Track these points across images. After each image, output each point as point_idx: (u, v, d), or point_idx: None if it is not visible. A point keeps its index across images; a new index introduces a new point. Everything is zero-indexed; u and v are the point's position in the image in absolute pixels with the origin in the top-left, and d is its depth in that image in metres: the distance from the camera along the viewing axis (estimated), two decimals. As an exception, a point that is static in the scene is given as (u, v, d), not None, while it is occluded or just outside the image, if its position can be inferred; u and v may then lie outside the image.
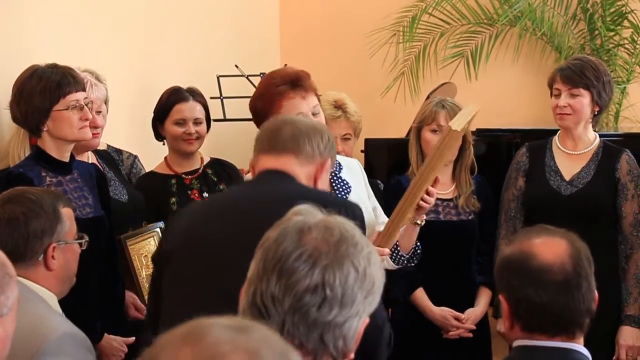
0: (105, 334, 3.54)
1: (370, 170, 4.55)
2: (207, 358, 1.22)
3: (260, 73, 4.91)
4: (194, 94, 4.24)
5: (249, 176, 3.25)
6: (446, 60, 5.93)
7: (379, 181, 4.41)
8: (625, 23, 5.81)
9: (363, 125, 4.44)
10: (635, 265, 4.06)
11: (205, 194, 4.13)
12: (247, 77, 5.08)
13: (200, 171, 4.24)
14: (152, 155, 4.35)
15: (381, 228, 3.38)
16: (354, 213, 2.58)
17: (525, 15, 5.77)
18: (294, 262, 1.68)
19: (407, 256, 3.52)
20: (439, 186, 3.50)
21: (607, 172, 4.08)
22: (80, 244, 2.89)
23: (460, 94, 5.16)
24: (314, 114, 3.22)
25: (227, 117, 5.10)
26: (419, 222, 3.46)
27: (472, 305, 4.19)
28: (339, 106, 4.31)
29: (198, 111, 4.21)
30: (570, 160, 4.13)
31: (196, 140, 4.19)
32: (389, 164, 5.01)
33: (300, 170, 2.66)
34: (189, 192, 4.16)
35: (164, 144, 4.27)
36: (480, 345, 4.24)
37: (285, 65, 4.76)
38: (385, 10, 5.92)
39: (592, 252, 2.40)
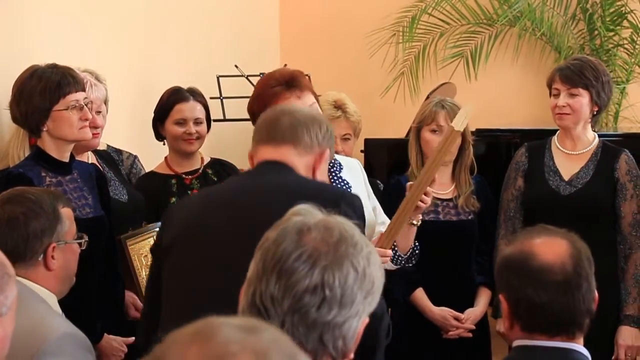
0: (105, 334, 3.55)
1: (370, 170, 4.55)
2: (215, 357, 1.21)
3: (260, 73, 4.91)
4: (195, 94, 4.24)
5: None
6: (446, 60, 5.93)
7: (378, 181, 4.41)
8: (625, 23, 5.81)
9: (363, 125, 4.44)
10: (634, 265, 4.06)
11: (205, 194, 4.13)
12: (247, 77, 5.08)
13: (200, 171, 4.24)
14: (152, 155, 4.35)
15: (382, 228, 3.38)
16: (354, 204, 2.58)
17: (525, 15, 5.77)
18: (293, 262, 1.68)
19: (405, 256, 3.52)
20: (439, 186, 3.51)
21: (606, 172, 4.08)
22: (80, 244, 2.89)
23: (460, 94, 5.16)
24: None
25: (227, 117, 5.10)
26: (414, 222, 3.46)
27: (471, 305, 4.19)
28: (338, 106, 4.32)
29: (198, 111, 4.21)
30: (569, 160, 4.13)
31: (196, 140, 4.19)
32: (389, 164, 5.01)
33: (299, 161, 2.66)
34: (189, 192, 4.16)
35: (164, 144, 4.28)
36: (480, 345, 4.24)
37: (285, 65, 4.76)
38: (385, 10, 5.92)
39: (591, 252, 2.41)
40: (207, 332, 1.24)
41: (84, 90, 3.53)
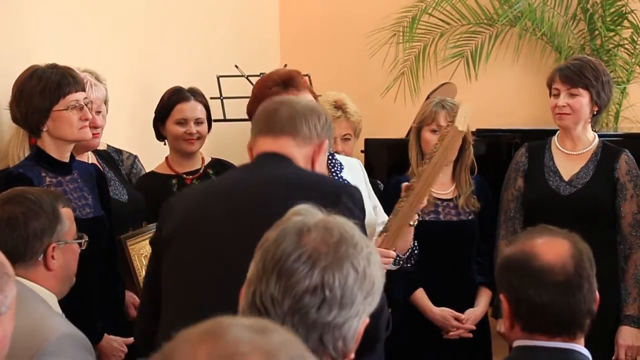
0: (105, 334, 3.54)
1: (370, 170, 4.54)
2: (225, 357, 1.21)
3: (260, 73, 4.90)
4: (195, 94, 4.24)
5: None
6: (446, 60, 5.93)
7: (379, 181, 4.41)
8: (625, 23, 5.81)
9: (363, 126, 4.44)
10: (634, 265, 4.06)
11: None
12: (247, 78, 5.08)
13: (201, 171, 4.24)
14: (152, 155, 4.35)
15: (382, 228, 3.38)
16: (354, 196, 2.58)
17: (525, 15, 5.77)
18: (293, 263, 1.68)
19: (405, 257, 3.52)
20: (439, 186, 3.51)
21: (606, 172, 4.08)
22: (80, 244, 2.89)
23: (460, 94, 5.16)
24: None
25: (227, 118, 5.10)
26: (411, 222, 3.45)
27: (472, 305, 4.19)
28: (339, 106, 4.31)
29: (199, 111, 4.21)
30: (569, 160, 4.13)
31: (197, 140, 4.19)
32: (389, 164, 5.01)
33: (298, 152, 2.66)
34: (189, 192, 4.16)
35: (165, 144, 4.28)
36: (480, 345, 4.24)
37: (285, 65, 4.76)
38: (385, 10, 5.92)
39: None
40: (217, 332, 1.24)
41: (84, 90, 3.52)
